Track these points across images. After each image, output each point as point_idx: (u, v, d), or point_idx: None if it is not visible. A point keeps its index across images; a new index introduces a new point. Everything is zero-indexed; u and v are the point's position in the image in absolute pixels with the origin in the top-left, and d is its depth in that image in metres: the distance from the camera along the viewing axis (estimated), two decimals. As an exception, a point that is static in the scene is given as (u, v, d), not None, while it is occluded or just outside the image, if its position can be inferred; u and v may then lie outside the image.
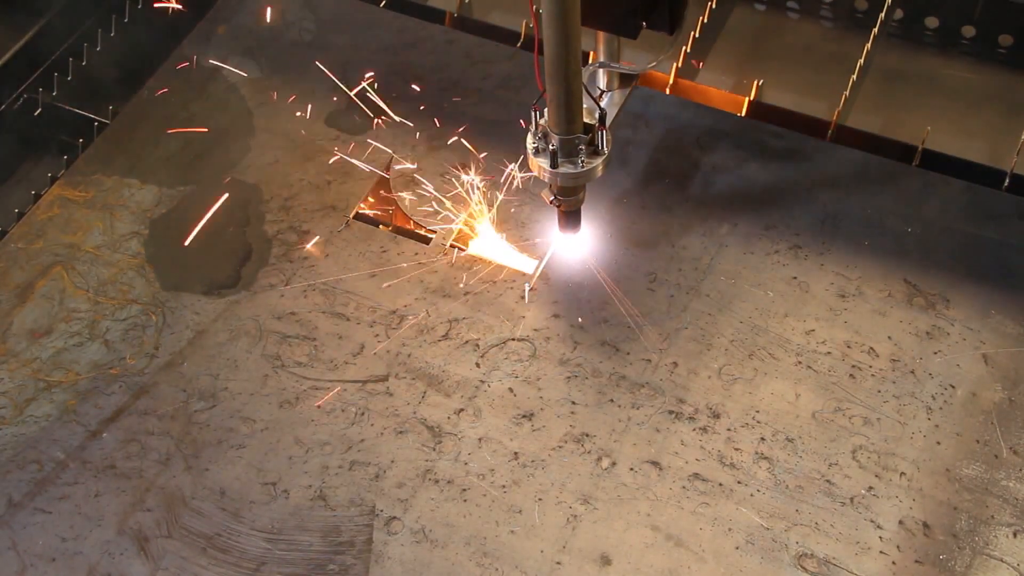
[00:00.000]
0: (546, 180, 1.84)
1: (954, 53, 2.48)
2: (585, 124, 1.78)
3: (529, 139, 1.81)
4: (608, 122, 1.83)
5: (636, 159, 2.28)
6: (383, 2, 2.62)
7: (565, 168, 1.80)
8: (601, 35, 1.88)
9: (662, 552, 1.82)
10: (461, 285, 2.12)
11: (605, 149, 1.81)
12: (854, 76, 2.39)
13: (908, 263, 2.12)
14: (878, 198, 2.20)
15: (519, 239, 2.18)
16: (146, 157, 2.37)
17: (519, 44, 2.50)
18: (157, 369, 2.05)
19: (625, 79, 1.97)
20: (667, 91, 2.43)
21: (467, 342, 2.06)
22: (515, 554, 1.82)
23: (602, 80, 1.97)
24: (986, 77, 2.44)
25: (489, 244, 2.20)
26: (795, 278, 2.11)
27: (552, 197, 1.89)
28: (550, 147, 1.78)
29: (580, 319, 2.06)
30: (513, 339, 2.06)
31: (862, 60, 2.42)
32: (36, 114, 2.45)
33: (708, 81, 2.45)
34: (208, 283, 2.16)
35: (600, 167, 1.81)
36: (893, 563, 1.79)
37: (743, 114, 2.38)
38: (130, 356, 2.07)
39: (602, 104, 1.81)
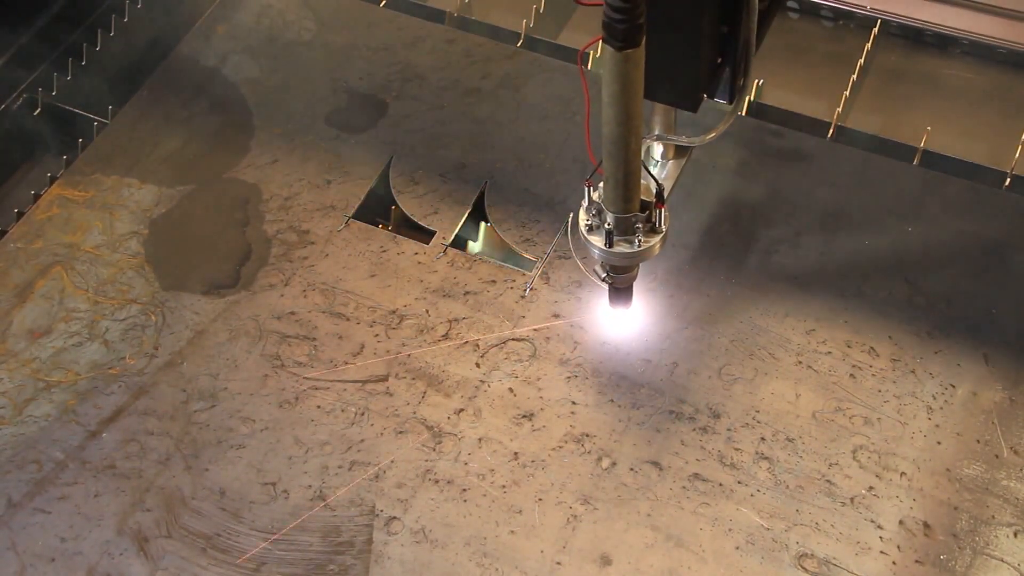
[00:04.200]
0: (598, 258, 1.74)
1: (954, 53, 2.48)
2: (642, 201, 1.67)
3: (582, 215, 1.71)
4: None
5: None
6: (383, 2, 2.62)
7: (621, 247, 1.69)
8: (658, 107, 1.76)
9: (662, 552, 1.81)
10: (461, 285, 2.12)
11: (663, 227, 1.70)
12: (854, 76, 2.39)
13: (908, 263, 2.12)
14: (878, 198, 2.20)
15: (519, 239, 2.18)
16: (145, 157, 2.37)
17: (519, 44, 2.50)
18: (156, 369, 2.05)
19: (680, 150, 1.86)
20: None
21: (467, 342, 2.05)
22: (515, 554, 1.82)
23: (656, 151, 1.86)
24: (986, 77, 2.44)
25: (489, 244, 2.20)
26: (795, 278, 2.11)
27: (604, 274, 1.80)
28: (605, 225, 1.67)
29: (580, 319, 2.06)
30: (513, 339, 2.05)
31: (862, 60, 2.42)
32: (36, 114, 2.45)
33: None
34: (207, 283, 2.16)
35: (657, 246, 1.71)
36: (893, 563, 1.79)
37: (743, 114, 2.38)
38: (129, 356, 2.06)
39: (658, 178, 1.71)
